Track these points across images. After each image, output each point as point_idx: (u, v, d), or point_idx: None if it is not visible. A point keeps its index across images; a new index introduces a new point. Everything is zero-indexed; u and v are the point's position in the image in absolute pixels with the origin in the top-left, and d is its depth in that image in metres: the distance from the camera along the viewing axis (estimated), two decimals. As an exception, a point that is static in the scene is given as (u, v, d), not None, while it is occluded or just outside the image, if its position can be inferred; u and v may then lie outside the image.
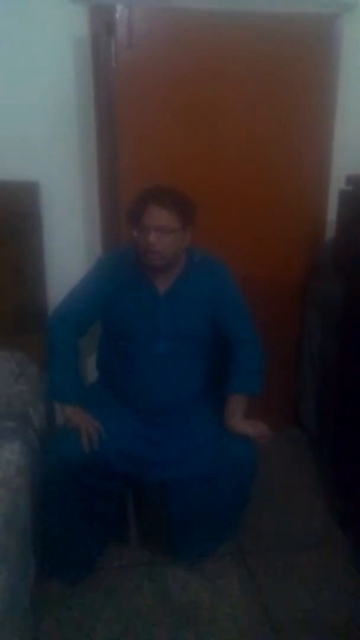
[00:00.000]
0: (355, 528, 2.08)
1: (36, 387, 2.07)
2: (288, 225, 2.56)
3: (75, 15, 2.24)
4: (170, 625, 1.73)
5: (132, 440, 1.80)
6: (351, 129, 2.56)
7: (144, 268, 1.85)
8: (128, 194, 1.99)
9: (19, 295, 2.33)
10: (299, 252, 2.63)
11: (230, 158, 2.40)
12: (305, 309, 2.69)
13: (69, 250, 2.45)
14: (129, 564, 1.98)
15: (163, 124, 2.29)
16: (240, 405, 1.82)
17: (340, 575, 1.95)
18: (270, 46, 2.30)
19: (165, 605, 1.81)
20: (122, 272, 1.91)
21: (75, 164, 2.41)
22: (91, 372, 2.29)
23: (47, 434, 1.96)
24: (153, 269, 1.82)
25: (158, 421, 1.87)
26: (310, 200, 2.57)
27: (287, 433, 2.82)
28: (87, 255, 2.46)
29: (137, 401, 1.88)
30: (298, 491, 2.39)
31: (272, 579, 1.93)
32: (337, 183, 2.41)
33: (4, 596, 1.27)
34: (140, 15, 2.16)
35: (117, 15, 2.13)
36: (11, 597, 1.34)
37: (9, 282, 2.30)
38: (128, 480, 1.84)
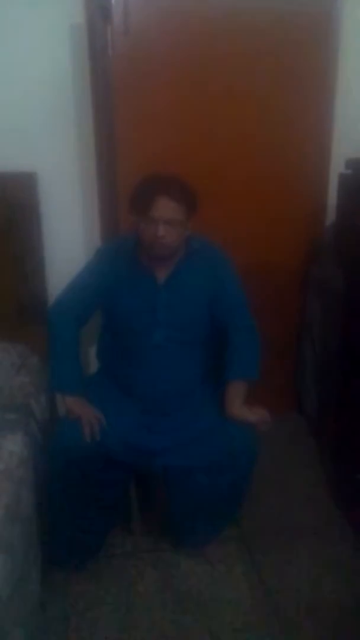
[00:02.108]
0: (356, 513, 2.09)
1: (37, 378, 2.08)
2: (288, 210, 2.55)
3: (71, 1, 2.21)
4: (173, 611, 1.76)
5: (133, 430, 1.81)
6: (351, 111, 2.54)
7: (142, 257, 1.85)
8: (126, 182, 1.98)
9: (19, 287, 2.32)
10: (299, 237, 2.61)
11: (229, 143, 2.38)
12: (305, 295, 2.69)
13: (68, 240, 2.44)
14: (132, 551, 2.00)
15: (161, 110, 2.27)
16: (239, 391, 1.82)
17: (341, 559, 1.97)
18: (268, 29, 2.27)
19: (168, 592, 1.84)
20: (120, 262, 1.90)
21: (73, 153, 2.39)
22: (92, 363, 2.29)
23: (48, 425, 1.97)
24: (157, 258, 1.82)
25: (158, 410, 1.87)
26: (310, 184, 2.56)
27: (288, 418, 2.83)
28: (87, 246, 2.45)
29: (137, 390, 1.89)
30: (299, 476, 2.41)
31: (273, 564, 1.95)
32: (337, 167, 2.39)
33: (8, 586, 1.30)
34: (137, 1, 2.13)
35: (113, 1, 2.10)
36: (16, 586, 1.36)
37: (8, 274, 2.29)
38: (130, 469, 1.86)
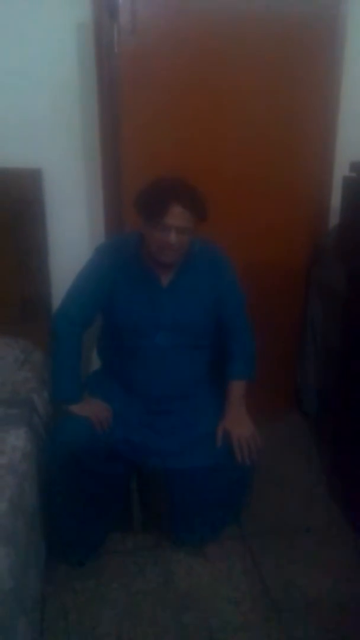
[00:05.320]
0: (355, 511, 2.10)
1: (40, 373, 2.08)
2: (291, 212, 2.56)
3: (78, 0, 2.22)
4: (174, 608, 1.76)
5: (134, 427, 1.82)
6: (356, 114, 2.55)
7: (145, 259, 1.83)
8: (131, 179, 1.98)
9: (23, 283, 2.33)
10: (302, 239, 2.62)
11: (233, 143, 2.39)
12: (308, 295, 2.70)
13: (73, 237, 2.45)
14: (134, 548, 2.00)
15: (166, 110, 2.28)
16: (239, 392, 1.88)
17: (340, 557, 1.97)
18: (274, 30, 2.28)
19: (169, 589, 1.84)
20: (122, 262, 1.86)
21: (78, 150, 2.40)
22: (93, 360, 2.29)
23: (51, 419, 1.98)
24: (162, 264, 1.79)
25: (160, 410, 1.88)
26: (313, 186, 2.57)
27: (289, 417, 2.84)
28: (91, 242, 2.45)
29: (139, 391, 1.89)
30: (299, 474, 2.42)
31: (273, 562, 1.95)
32: (341, 169, 2.40)
33: (11, 577, 1.30)
34: (144, 0, 2.14)
35: (120, 0, 2.11)
36: (20, 579, 1.36)
37: (12, 270, 2.30)
38: (131, 465, 1.86)
